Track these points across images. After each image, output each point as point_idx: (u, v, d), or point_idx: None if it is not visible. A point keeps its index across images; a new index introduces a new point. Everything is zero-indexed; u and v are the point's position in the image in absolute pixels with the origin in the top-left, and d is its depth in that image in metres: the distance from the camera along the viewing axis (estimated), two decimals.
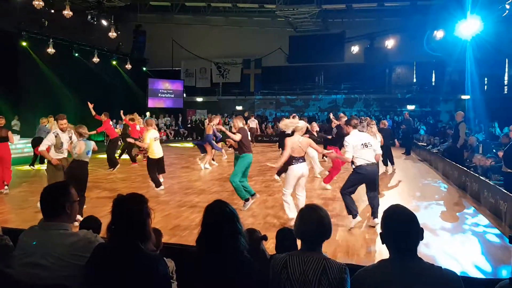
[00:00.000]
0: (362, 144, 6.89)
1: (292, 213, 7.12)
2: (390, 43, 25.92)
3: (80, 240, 2.68)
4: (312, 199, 9.29)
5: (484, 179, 9.29)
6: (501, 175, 9.37)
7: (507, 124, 12.89)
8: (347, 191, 7.08)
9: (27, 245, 2.69)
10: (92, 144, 7.72)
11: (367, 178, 7.01)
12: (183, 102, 30.91)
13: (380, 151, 7.23)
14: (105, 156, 13.69)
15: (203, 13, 29.58)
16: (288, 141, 7.14)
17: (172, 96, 30.26)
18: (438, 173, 13.50)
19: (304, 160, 7.19)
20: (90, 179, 8.04)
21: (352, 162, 7.06)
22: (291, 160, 7.09)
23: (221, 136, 14.24)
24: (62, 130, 8.18)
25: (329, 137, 11.30)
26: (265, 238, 3.45)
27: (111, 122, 14.54)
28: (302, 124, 7.43)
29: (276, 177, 11.69)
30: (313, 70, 29.77)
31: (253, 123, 23.28)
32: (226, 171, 13.32)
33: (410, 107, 27.17)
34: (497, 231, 7.12)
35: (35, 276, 2.59)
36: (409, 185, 11.36)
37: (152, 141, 10.21)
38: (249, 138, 8.64)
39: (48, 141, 8.01)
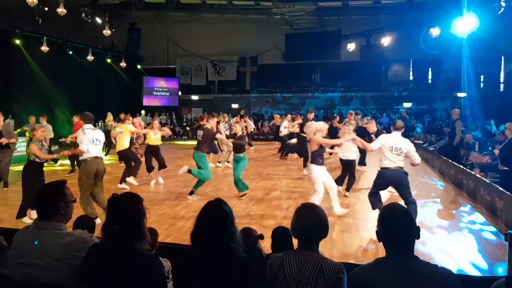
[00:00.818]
0: (392, 147, 6.61)
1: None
2: (386, 40, 25.91)
3: (76, 240, 2.66)
4: (308, 197, 9.29)
5: (480, 176, 9.31)
6: (497, 173, 9.39)
7: (503, 122, 12.92)
8: (372, 190, 7.06)
9: (22, 245, 2.67)
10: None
11: (388, 181, 6.92)
12: (179, 100, 30.85)
13: (418, 160, 6.89)
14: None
15: (199, 11, 29.52)
16: None
17: (167, 94, 30.17)
18: (434, 171, 13.52)
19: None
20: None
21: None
22: None
23: None
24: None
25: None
26: (261, 237, 3.45)
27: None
28: (320, 125, 7.66)
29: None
30: (309, 68, 29.76)
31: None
32: (221, 171, 13.33)
33: (407, 104, 27.21)
34: (493, 228, 7.15)
35: (29, 276, 2.58)
36: None
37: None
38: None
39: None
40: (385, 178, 6.81)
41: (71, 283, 2.57)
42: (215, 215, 2.61)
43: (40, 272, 2.57)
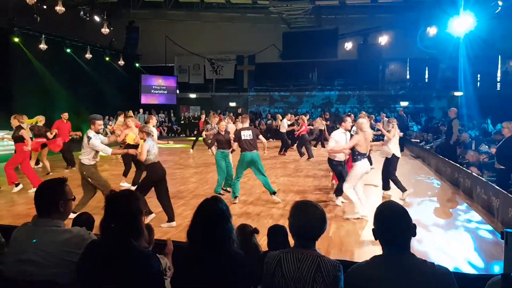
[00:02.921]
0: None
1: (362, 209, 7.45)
2: (383, 39, 25.97)
3: (73, 237, 2.67)
4: (306, 194, 9.33)
5: (476, 174, 9.34)
6: (493, 172, 9.42)
7: (500, 121, 12.97)
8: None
9: (20, 242, 2.68)
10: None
11: None
12: (177, 99, 30.84)
13: None
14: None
15: (197, 9, 29.57)
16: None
17: (166, 92, 30.15)
18: (431, 169, 13.55)
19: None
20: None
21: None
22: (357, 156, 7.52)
23: None
24: (98, 132, 7.43)
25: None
26: (256, 231, 3.47)
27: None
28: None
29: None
30: (306, 66, 29.77)
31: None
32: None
33: (404, 103, 27.25)
34: (489, 227, 7.17)
35: (27, 273, 2.58)
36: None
37: None
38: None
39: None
40: None
41: (69, 280, 2.57)
42: (211, 213, 2.62)
43: (38, 269, 2.57)
